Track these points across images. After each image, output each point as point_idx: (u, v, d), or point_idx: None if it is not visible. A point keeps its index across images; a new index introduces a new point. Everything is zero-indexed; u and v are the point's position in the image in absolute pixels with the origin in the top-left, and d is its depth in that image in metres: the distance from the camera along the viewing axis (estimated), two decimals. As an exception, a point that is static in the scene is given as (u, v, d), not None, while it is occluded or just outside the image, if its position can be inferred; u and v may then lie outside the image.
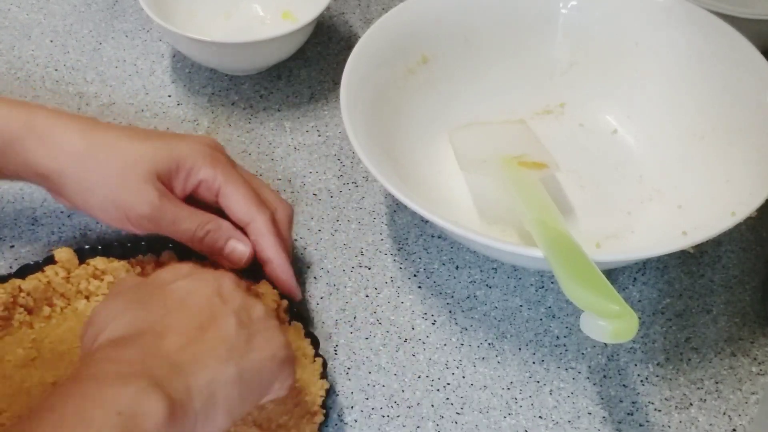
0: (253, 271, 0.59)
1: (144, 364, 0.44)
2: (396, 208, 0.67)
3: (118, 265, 0.59)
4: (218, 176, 0.58)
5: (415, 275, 0.63)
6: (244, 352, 0.47)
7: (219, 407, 0.45)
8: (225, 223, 0.59)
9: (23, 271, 0.58)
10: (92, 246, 0.61)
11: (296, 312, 0.58)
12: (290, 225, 0.61)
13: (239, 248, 0.59)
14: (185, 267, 0.53)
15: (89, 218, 0.65)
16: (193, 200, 0.60)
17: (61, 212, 0.66)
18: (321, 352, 0.56)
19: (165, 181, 0.58)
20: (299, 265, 0.64)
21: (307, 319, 0.60)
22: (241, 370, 0.46)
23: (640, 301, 0.62)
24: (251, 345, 0.48)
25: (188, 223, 0.58)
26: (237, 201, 0.59)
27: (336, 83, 0.71)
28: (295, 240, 0.65)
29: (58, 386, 0.44)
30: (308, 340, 0.57)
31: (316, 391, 0.54)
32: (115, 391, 0.42)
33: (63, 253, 0.59)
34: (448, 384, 0.58)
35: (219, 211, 0.60)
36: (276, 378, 0.49)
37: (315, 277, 0.63)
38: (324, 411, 0.53)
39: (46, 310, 0.57)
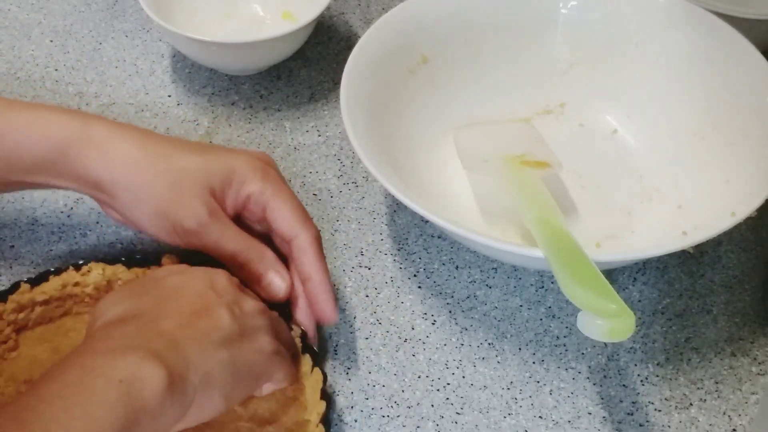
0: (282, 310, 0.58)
1: (142, 338, 0.45)
2: (396, 208, 0.67)
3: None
4: (267, 190, 0.57)
5: (415, 275, 0.63)
6: (236, 342, 0.48)
7: (215, 386, 0.46)
8: (269, 253, 0.58)
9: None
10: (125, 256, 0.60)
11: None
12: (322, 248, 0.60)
13: (276, 281, 0.57)
14: (179, 266, 0.54)
15: (88, 219, 0.65)
16: (242, 225, 0.58)
17: (61, 212, 0.66)
18: (322, 351, 0.56)
19: (218, 196, 0.57)
20: (299, 265, 0.64)
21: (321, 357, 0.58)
22: (234, 357, 0.48)
23: (640, 301, 0.62)
24: (242, 337, 0.49)
25: (232, 245, 0.57)
26: (284, 215, 0.57)
27: (336, 83, 0.71)
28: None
29: (59, 359, 0.44)
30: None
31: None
32: (115, 361, 0.43)
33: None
34: (448, 384, 0.58)
35: (267, 242, 0.59)
36: (267, 371, 0.51)
37: (315, 277, 0.63)
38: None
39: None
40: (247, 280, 0.57)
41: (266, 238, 0.59)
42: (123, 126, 0.57)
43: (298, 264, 0.57)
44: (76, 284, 0.58)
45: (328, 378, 0.57)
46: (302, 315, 0.57)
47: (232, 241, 0.57)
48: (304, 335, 0.56)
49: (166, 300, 0.49)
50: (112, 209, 0.58)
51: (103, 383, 0.42)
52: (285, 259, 0.59)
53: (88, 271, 0.58)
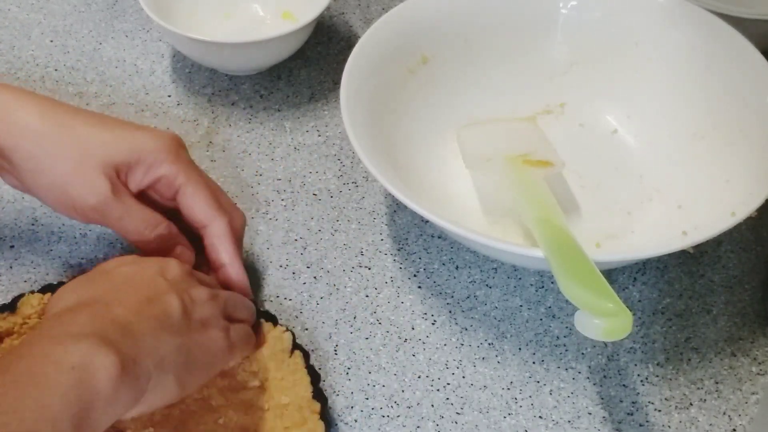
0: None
1: (94, 325, 0.45)
2: (396, 208, 0.67)
3: None
4: (180, 174, 0.57)
5: (415, 275, 0.63)
6: (188, 330, 0.49)
7: (169, 372, 0.47)
8: (173, 228, 0.58)
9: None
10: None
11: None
12: (243, 233, 0.61)
13: (185, 256, 0.58)
14: (130, 256, 0.55)
15: (89, 218, 0.66)
16: (145, 198, 0.59)
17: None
18: (321, 351, 0.56)
19: (121, 173, 0.56)
20: (299, 266, 0.64)
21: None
22: (186, 344, 0.48)
23: (640, 301, 0.62)
24: (193, 326, 0.50)
25: (137, 222, 0.57)
26: (197, 202, 0.58)
27: (336, 83, 0.71)
28: (295, 240, 0.65)
29: (12, 349, 0.45)
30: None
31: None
32: (67, 348, 0.43)
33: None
34: (448, 384, 0.58)
35: (167, 214, 0.59)
36: (220, 362, 0.52)
37: (315, 277, 0.63)
38: None
39: None
40: (154, 255, 0.57)
41: (167, 212, 0.59)
42: (27, 93, 0.57)
43: (211, 251, 0.58)
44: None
45: (329, 377, 0.58)
46: (231, 273, 0.59)
47: (136, 217, 0.57)
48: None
49: (117, 288, 0.49)
50: (10, 176, 0.58)
51: (55, 370, 0.42)
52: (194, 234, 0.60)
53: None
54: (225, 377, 0.54)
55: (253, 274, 0.63)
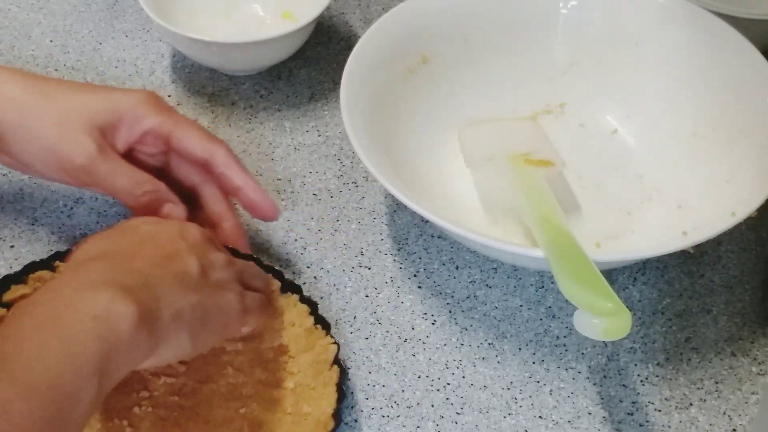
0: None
1: (114, 275, 0.46)
2: (396, 208, 0.67)
3: None
4: (166, 122, 0.58)
5: (415, 275, 0.63)
6: (204, 289, 0.49)
7: (185, 327, 0.47)
8: (163, 186, 0.59)
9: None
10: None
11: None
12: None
13: (176, 212, 0.59)
14: (152, 217, 0.55)
15: (89, 217, 0.65)
16: (134, 161, 0.59)
17: (61, 212, 0.66)
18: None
19: (107, 134, 0.57)
20: (299, 266, 0.64)
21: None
22: (202, 302, 0.49)
23: (640, 301, 0.62)
24: (210, 287, 0.50)
25: (125, 180, 0.58)
26: (192, 139, 0.59)
27: (336, 83, 0.71)
28: (295, 240, 0.65)
29: (34, 294, 0.45)
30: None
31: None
32: (89, 296, 0.43)
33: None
34: (448, 384, 0.58)
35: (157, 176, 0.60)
36: (234, 325, 0.52)
37: (315, 277, 0.63)
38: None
39: None
40: (144, 214, 0.58)
41: (158, 173, 0.60)
42: (6, 68, 0.59)
43: (225, 178, 0.59)
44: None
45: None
46: (230, 234, 0.60)
47: (124, 175, 0.58)
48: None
49: (139, 243, 0.50)
50: (2, 153, 0.59)
51: (77, 319, 0.42)
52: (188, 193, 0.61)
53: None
54: (265, 371, 0.55)
55: (253, 274, 0.63)
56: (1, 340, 0.41)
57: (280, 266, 0.63)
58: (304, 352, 0.55)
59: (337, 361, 0.54)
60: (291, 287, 0.58)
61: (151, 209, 0.58)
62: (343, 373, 0.55)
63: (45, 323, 0.42)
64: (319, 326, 0.56)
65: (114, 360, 0.43)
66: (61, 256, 0.58)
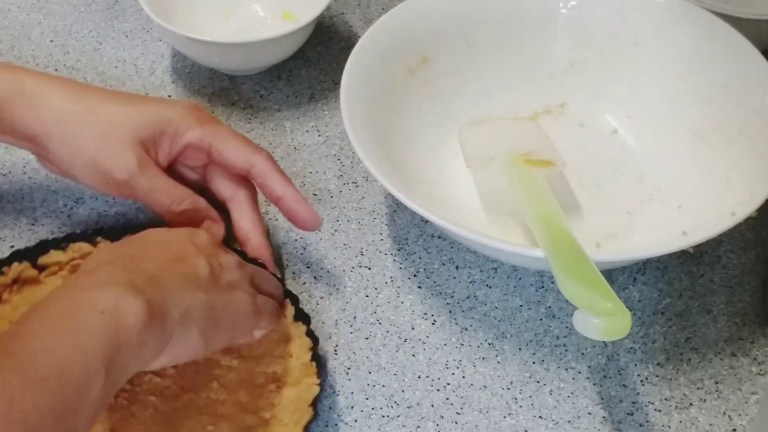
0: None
1: (123, 274, 0.46)
2: (396, 208, 0.67)
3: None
4: (206, 134, 0.59)
5: (415, 275, 0.63)
6: (215, 289, 0.50)
7: (195, 326, 0.48)
8: (202, 201, 0.59)
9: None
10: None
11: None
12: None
13: (213, 230, 0.59)
14: (160, 228, 0.56)
15: (89, 218, 0.65)
16: (175, 176, 0.60)
17: (61, 212, 0.66)
18: (320, 352, 0.56)
19: (149, 147, 0.58)
20: (299, 266, 0.64)
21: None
22: (212, 301, 0.49)
23: (640, 301, 0.62)
24: (220, 288, 0.50)
25: (164, 195, 0.58)
26: (232, 150, 0.59)
27: (336, 83, 0.71)
28: (295, 240, 0.65)
29: (45, 296, 0.46)
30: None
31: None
32: (97, 294, 0.44)
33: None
34: (448, 384, 0.58)
35: (200, 192, 0.61)
36: (245, 326, 0.52)
37: (315, 277, 0.63)
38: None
39: None
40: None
41: (198, 189, 0.61)
42: (53, 79, 0.59)
43: (266, 188, 0.59)
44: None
45: (329, 377, 0.58)
46: (255, 251, 0.60)
47: (164, 191, 0.58)
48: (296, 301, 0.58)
49: (149, 247, 0.51)
50: (48, 162, 0.60)
51: (86, 314, 0.43)
52: (219, 208, 0.61)
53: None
54: (249, 394, 0.54)
55: (253, 274, 0.63)
56: (13, 336, 0.42)
57: (280, 266, 0.63)
58: (291, 386, 0.55)
59: (314, 403, 0.53)
60: (302, 317, 0.57)
61: (190, 225, 0.59)
62: (315, 416, 0.53)
63: (54, 320, 0.43)
64: (314, 363, 0.55)
65: (122, 355, 0.43)
66: (104, 232, 0.60)
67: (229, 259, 0.54)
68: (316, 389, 0.53)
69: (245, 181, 0.61)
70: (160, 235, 0.53)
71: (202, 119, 0.59)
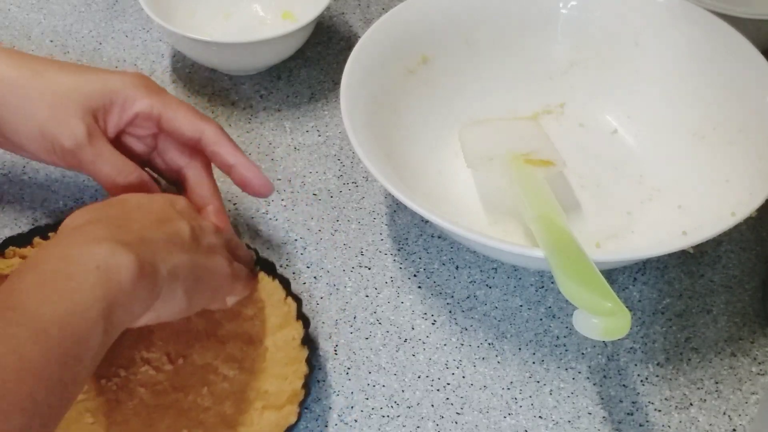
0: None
1: (112, 232, 0.46)
2: (396, 208, 0.67)
3: None
4: (156, 104, 0.59)
5: (415, 275, 0.63)
6: (197, 250, 0.50)
7: (180, 284, 0.48)
8: (146, 176, 0.60)
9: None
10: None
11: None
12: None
13: None
14: (140, 193, 0.56)
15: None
16: (125, 148, 0.60)
17: (61, 212, 0.66)
18: (320, 352, 0.56)
19: (98, 117, 0.58)
20: (299, 266, 0.64)
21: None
22: (195, 262, 0.50)
23: (640, 301, 0.62)
24: (201, 249, 0.51)
25: (109, 167, 0.58)
26: (182, 119, 0.59)
27: (336, 83, 0.71)
28: (295, 240, 0.65)
29: (33, 254, 0.46)
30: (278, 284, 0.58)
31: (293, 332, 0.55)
32: (90, 250, 0.44)
33: None
34: (448, 384, 0.58)
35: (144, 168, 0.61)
36: (224, 287, 0.53)
37: (315, 277, 0.63)
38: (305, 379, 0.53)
39: None
40: None
41: (145, 159, 0.61)
42: None
43: (217, 156, 0.60)
44: None
45: (329, 377, 0.58)
46: (215, 216, 0.60)
47: (109, 163, 0.58)
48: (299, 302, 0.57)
49: (130, 210, 0.51)
50: None
51: (80, 270, 0.43)
52: (175, 177, 0.62)
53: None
54: (234, 408, 0.54)
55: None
56: (8, 293, 0.42)
57: (280, 266, 0.63)
58: (274, 410, 0.54)
59: (289, 429, 0.53)
60: (308, 340, 0.56)
61: None
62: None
63: (49, 275, 0.43)
64: (303, 391, 0.54)
65: (117, 308, 0.44)
66: (41, 231, 0.60)
67: (207, 224, 0.54)
68: (293, 419, 0.53)
69: (198, 152, 0.61)
70: (140, 198, 0.53)
71: (151, 89, 0.59)
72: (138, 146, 0.61)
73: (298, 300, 0.57)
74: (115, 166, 0.58)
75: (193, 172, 0.61)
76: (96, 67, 0.61)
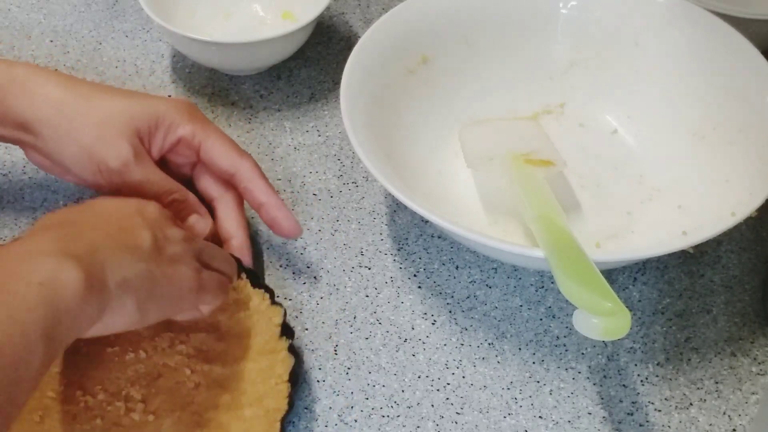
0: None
1: (61, 243, 0.45)
2: (396, 208, 0.67)
3: None
4: (198, 132, 0.59)
5: (415, 275, 0.63)
6: (156, 260, 0.49)
7: (131, 295, 0.47)
8: (191, 196, 0.60)
9: None
10: None
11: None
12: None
13: (200, 224, 0.60)
14: (114, 197, 0.56)
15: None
16: (167, 170, 0.60)
17: (61, 212, 0.66)
18: (322, 351, 0.56)
19: (143, 138, 0.58)
20: (299, 266, 0.64)
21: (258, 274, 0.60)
22: (152, 272, 0.48)
23: (640, 301, 0.62)
24: (163, 260, 0.50)
25: (155, 187, 0.58)
26: (219, 152, 0.60)
27: (336, 83, 0.71)
28: (295, 240, 0.65)
29: None
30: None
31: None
32: (35, 264, 0.43)
33: None
34: (448, 384, 0.58)
35: (188, 186, 0.61)
36: (188, 301, 0.52)
37: (315, 277, 0.63)
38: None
39: None
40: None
41: (187, 183, 0.62)
42: (43, 68, 0.60)
43: (249, 192, 0.60)
44: None
45: (329, 377, 0.58)
46: (237, 250, 0.60)
47: (155, 183, 0.58)
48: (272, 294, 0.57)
49: (95, 216, 0.51)
50: (36, 153, 0.60)
51: (23, 287, 0.42)
52: (207, 206, 0.62)
53: None
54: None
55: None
56: None
57: (280, 266, 0.63)
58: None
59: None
60: (294, 378, 0.55)
61: (177, 219, 0.58)
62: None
63: None
64: (278, 426, 0.53)
65: (61, 325, 0.43)
66: None
67: (176, 232, 0.53)
68: None
69: (231, 185, 0.61)
70: (109, 204, 0.53)
71: (195, 116, 0.60)
72: (177, 173, 0.61)
73: (283, 310, 0.57)
74: (161, 187, 0.58)
75: (223, 205, 0.61)
76: (144, 93, 0.62)
